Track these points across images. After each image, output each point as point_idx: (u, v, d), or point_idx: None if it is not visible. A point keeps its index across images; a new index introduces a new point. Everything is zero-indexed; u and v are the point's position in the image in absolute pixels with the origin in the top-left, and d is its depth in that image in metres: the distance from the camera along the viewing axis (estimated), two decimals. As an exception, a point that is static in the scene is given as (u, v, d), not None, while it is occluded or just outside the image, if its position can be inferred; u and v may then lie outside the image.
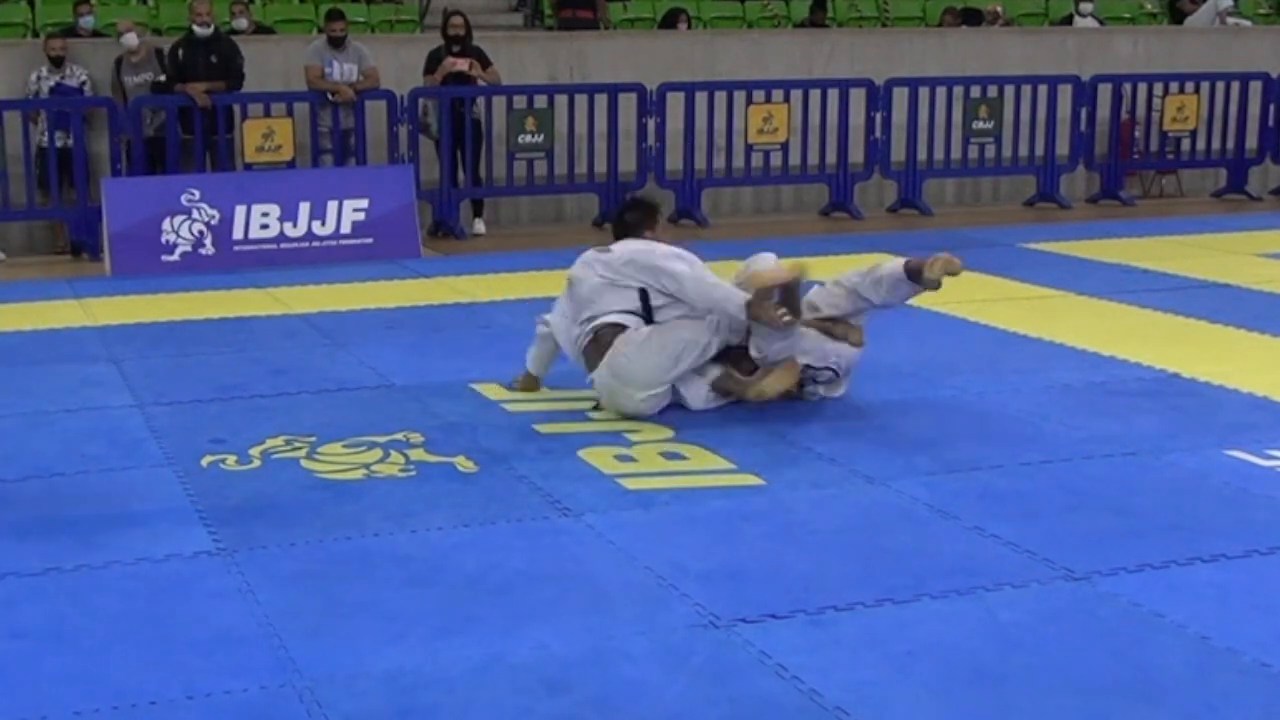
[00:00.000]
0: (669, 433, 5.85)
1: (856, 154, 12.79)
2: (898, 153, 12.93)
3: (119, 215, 10.23)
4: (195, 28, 11.37)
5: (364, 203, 10.68)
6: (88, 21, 12.29)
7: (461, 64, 11.77)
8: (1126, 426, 5.86)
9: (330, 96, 11.38)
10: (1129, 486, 5.14)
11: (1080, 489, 5.12)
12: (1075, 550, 4.51)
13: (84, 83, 11.41)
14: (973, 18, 15.53)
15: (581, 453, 5.59)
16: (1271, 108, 13.84)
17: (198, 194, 10.35)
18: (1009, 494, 5.08)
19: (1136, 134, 13.88)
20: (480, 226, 11.98)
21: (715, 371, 6.12)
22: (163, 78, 11.36)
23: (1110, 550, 4.51)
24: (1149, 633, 3.94)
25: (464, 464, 5.49)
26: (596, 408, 6.17)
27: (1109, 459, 5.46)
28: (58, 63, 11.33)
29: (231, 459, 5.56)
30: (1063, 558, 4.45)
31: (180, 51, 11.32)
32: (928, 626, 3.98)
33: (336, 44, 11.52)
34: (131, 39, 11.41)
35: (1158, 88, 13.76)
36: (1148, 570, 4.35)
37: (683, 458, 5.54)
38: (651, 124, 12.17)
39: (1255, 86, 13.83)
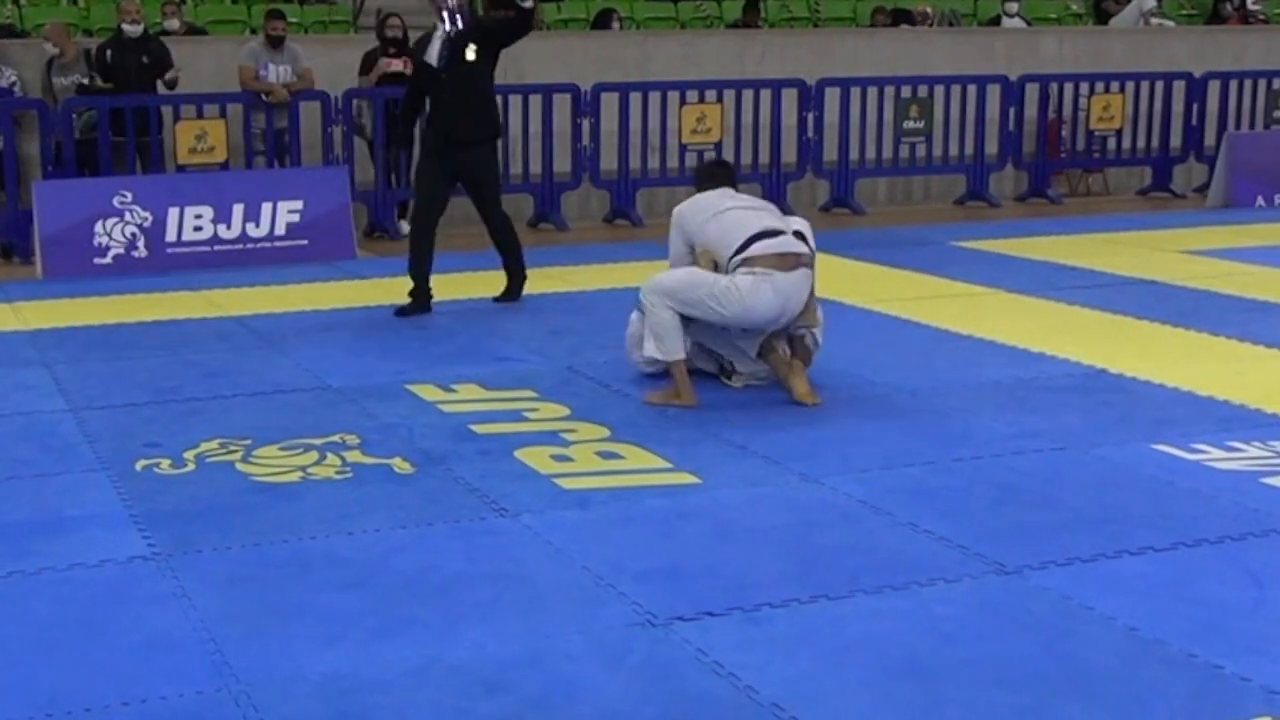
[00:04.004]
0: (605, 432, 5.88)
1: (789, 154, 12.86)
2: (830, 152, 13.02)
3: (50, 218, 10.12)
4: (125, 26, 11.27)
5: (298, 204, 10.62)
6: None
7: (397, 64, 11.74)
8: (1055, 422, 5.95)
9: (264, 97, 11.32)
10: (1058, 481, 5.22)
11: (1011, 484, 5.20)
12: (1006, 545, 4.58)
13: (14, 84, 11.29)
14: (903, 18, 15.66)
15: (518, 453, 5.60)
16: (1194, 106, 14.05)
17: (130, 196, 10.25)
18: (941, 490, 5.14)
19: (1063, 133, 14.05)
20: (405, 227, 11.93)
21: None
22: (85, 80, 11.21)
23: (1040, 544, 4.58)
24: (1079, 625, 4.00)
25: (401, 465, 5.49)
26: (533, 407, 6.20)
27: (1039, 454, 5.54)
28: (-13, 64, 11.22)
29: (166, 463, 5.53)
30: (994, 552, 4.51)
31: (109, 52, 11.21)
32: (862, 622, 4.03)
33: (275, 43, 11.46)
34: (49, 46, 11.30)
35: (1084, 87, 13.94)
36: (1077, 564, 4.42)
37: (619, 457, 5.56)
38: (586, 124, 12.19)
39: (1179, 86, 14.04)
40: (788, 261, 6.16)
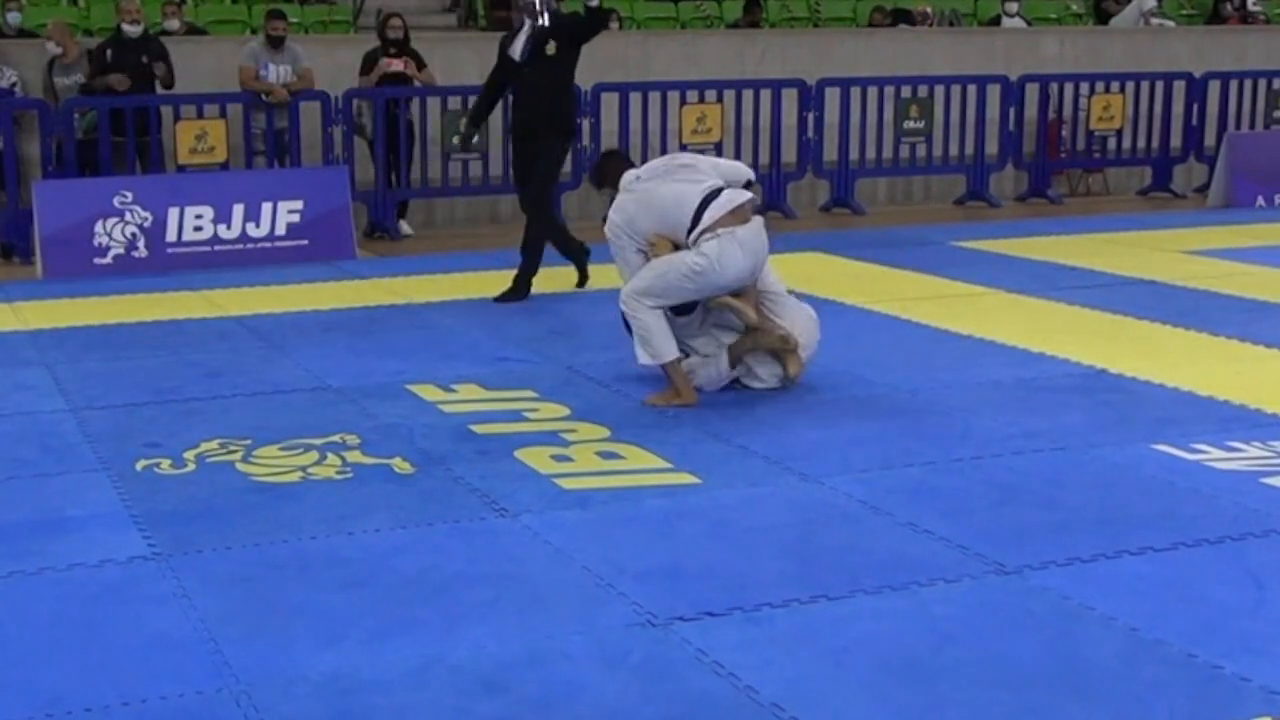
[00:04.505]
0: (605, 432, 5.88)
1: (789, 153, 12.86)
2: (830, 152, 13.02)
3: (50, 218, 10.12)
4: (125, 26, 11.27)
5: (299, 204, 10.62)
6: (14, 18, 12.16)
7: (397, 64, 11.75)
8: (1055, 422, 5.95)
9: (264, 97, 11.32)
10: (1058, 481, 5.22)
11: (1011, 484, 5.20)
12: (1006, 545, 4.58)
13: (14, 84, 11.29)
14: (903, 18, 15.66)
15: (518, 453, 5.60)
16: (1194, 106, 14.05)
17: (130, 196, 10.25)
18: (941, 490, 5.14)
19: (1064, 133, 14.05)
20: (406, 228, 11.96)
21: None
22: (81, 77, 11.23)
23: (1040, 544, 4.58)
24: (1079, 625, 4.00)
25: (401, 465, 5.49)
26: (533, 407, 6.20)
27: (1039, 454, 5.54)
28: (-13, 64, 11.21)
29: (166, 463, 5.54)
30: (994, 552, 4.51)
31: (108, 52, 11.21)
32: (862, 622, 4.03)
33: (276, 43, 11.47)
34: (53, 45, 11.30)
35: (1084, 87, 13.94)
36: (1077, 564, 4.43)
37: (619, 457, 5.56)
38: (586, 124, 12.17)
39: (1179, 86, 14.04)
40: (740, 215, 6.19)
